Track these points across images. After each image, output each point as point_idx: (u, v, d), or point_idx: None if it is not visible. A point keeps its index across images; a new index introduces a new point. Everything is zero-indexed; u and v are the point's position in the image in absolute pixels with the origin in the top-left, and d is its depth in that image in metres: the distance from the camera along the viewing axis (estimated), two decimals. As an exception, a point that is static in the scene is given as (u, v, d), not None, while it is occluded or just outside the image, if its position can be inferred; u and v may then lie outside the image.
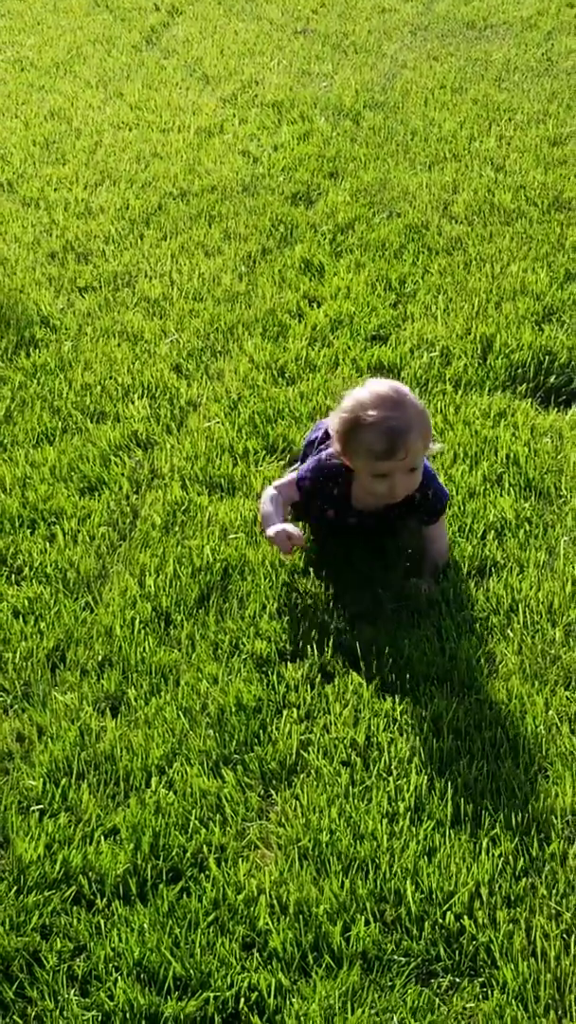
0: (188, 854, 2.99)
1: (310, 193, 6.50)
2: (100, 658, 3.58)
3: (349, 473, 3.76)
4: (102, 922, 2.86)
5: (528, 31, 8.90)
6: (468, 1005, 2.68)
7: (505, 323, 5.12)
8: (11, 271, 5.83)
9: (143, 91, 8.09)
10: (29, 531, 4.09)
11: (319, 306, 5.38)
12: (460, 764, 3.18)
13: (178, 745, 3.28)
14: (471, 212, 6.15)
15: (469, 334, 5.07)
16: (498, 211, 6.14)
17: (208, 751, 3.26)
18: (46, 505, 4.19)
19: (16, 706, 3.45)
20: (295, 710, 3.37)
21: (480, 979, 2.73)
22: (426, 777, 3.15)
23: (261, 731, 3.32)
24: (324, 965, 2.75)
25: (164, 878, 2.95)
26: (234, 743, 3.28)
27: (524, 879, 2.90)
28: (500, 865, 2.93)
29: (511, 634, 3.58)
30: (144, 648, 3.59)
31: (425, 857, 2.95)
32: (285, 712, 3.37)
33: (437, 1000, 2.69)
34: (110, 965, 2.77)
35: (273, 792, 3.17)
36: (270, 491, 3.90)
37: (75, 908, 2.90)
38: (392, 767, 3.19)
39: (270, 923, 2.83)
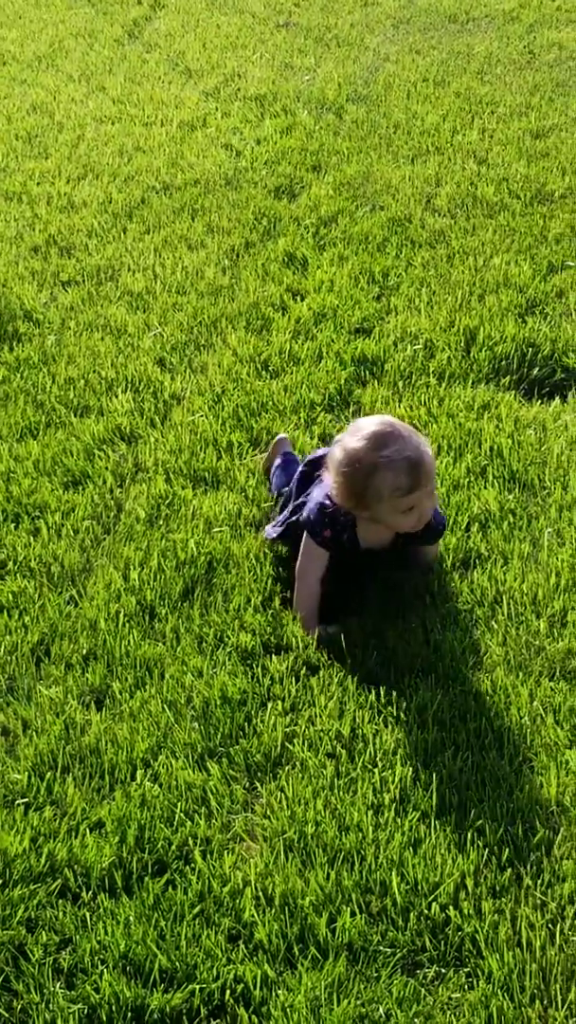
0: (173, 847, 2.99)
1: (293, 186, 6.50)
2: (85, 652, 3.57)
3: (353, 519, 3.64)
4: (88, 915, 2.86)
5: (510, 24, 8.90)
6: (454, 995, 2.69)
7: (488, 315, 5.12)
8: (-6, 265, 5.82)
9: (126, 85, 8.08)
10: (13, 525, 4.09)
11: (302, 299, 5.37)
12: (445, 755, 3.18)
13: (163, 738, 3.28)
14: (454, 205, 6.16)
15: (452, 327, 5.07)
16: (481, 204, 6.15)
17: (193, 744, 3.26)
18: (30, 499, 4.19)
19: (1, 700, 3.44)
20: (280, 702, 3.37)
21: (466, 969, 2.73)
22: (411, 768, 3.15)
23: (246, 724, 3.32)
24: (310, 956, 2.76)
25: (149, 871, 2.95)
26: (219, 736, 3.28)
27: (509, 869, 2.90)
28: (485, 856, 2.93)
29: (495, 625, 3.59)
30: (129, 641, 3.59)
31: (410, 848, 2.96)
32: (270, 705, 3.37)
33: (423, 991, 2.69)
34: (96, 958, 2.77)
35: (258, 784, 3.17)
36: (312, 587, 3.68)
37: (61, 901, 2.90)
38: (377, 759, 3.19)
39: (256, 915, 2.83)
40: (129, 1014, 2.67)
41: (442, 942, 2.78)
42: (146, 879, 2.93)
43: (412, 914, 2.82)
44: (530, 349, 4.89)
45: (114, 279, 5.66)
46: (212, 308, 5.33)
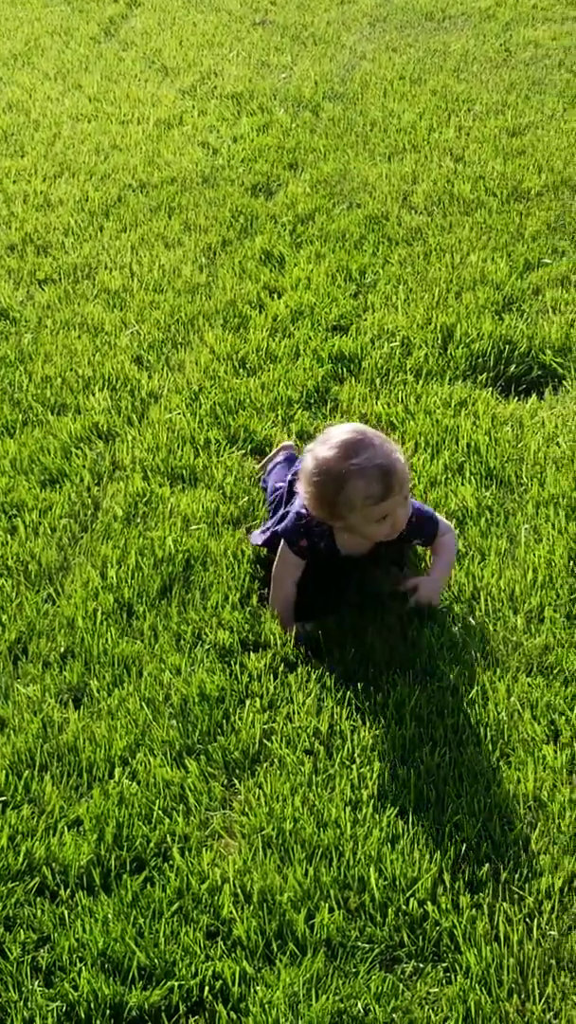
0: (152, 844, 2.99)
1: (270, 184, 6.49)
2: (62, 650, 3.57)
3: (329, 528, 3.63)
4: (66, 913, 2.86)
5: (486, 22, 8.92)
6: (432, 990, 2.69)
7: (465, 313, 5.13)
8: (-30, 263, 5.80)
9: (102, 83, 8.06)
10: (-10, 524, 4.08)
11: (279, 297, 5.37)
12: (423, 751, 3.19)
13: (141, 736, 3.28)
14: (431, 202, 6.16)
15: (429, 324, 5.08)
16: (458, 201, 6.16)
17: (171, 741, 3.26)
18: (7, 498, 4.18)
19: (-22, 699, 3.44)
20: (258, 700, 3.37)
21: (443, 964, 2.74)
22: (389, 764, 3.16)
23: (224, 721, 3.32)
24: (288, 953, 2.76)
25: (128, 868, 2.95)
26: (197, 733, 3.28)
27: (487, 864, 2.91)
28: (463, 851, 2.94)
29: (473, 621, 3.60)
30: (106, 639, 3.58)
31: (388, 844, 2.96)
32: (248, 702, 3.37)
33: (401, 985, 2.70)
34: (74, 956, 2.77)
35: (236, 781, 3.17)
36: (288, 590, 3.69)
37: (39, 899, 2.89)
38: (355, 755, 3.20)
39: (234, 912, 2.83)
40: (108, 1011, 2.67)
41: (420, 937, 2.78)
42: (124, 877, 2.92)
43: (390, 909, 2.82)
44: (507, 346, 4.90)
45: (91, 277, 5.65)
46: (189, 306, 5.33)
